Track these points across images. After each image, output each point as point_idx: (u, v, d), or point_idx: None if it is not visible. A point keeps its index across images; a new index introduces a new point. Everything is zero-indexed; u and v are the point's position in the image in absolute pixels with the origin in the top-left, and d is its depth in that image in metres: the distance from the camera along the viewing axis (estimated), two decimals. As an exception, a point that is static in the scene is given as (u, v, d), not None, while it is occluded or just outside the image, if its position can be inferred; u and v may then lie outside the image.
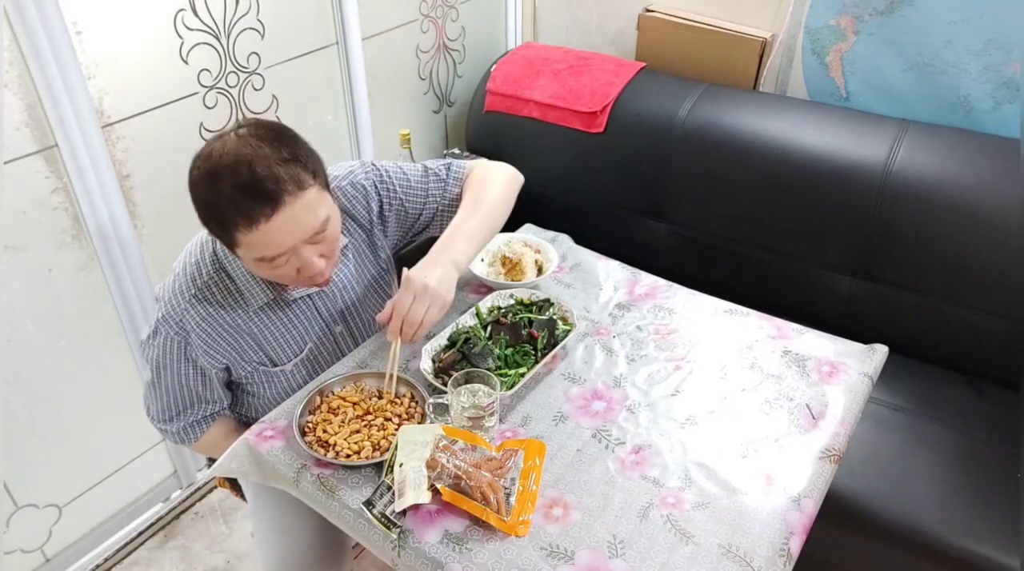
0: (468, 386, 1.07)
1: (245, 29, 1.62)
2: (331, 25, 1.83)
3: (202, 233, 1.16)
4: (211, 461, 1.43)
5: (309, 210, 1.01)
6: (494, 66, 2.16)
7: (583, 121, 1.98)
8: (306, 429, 1.08)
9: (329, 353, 1.26)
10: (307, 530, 1.22)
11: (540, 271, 1.39)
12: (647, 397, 1.14)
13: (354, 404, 1.11)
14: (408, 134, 1.98)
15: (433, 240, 1.42)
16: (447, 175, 1.30)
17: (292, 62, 1.76)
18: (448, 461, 0.96)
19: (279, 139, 1.01)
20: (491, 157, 2.23)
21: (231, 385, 1.26)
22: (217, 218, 1.00)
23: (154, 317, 1.13)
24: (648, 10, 2.11)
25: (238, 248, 1.02)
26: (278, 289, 1.15)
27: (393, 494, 0.95)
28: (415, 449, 0.99)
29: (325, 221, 1.04)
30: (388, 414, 1.10)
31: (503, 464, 0.98)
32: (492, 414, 1.05)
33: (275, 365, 1.20)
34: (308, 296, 1.19)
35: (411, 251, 1.41)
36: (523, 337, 1.19)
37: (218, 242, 1.13)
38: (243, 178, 0.96)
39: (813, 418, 1.11)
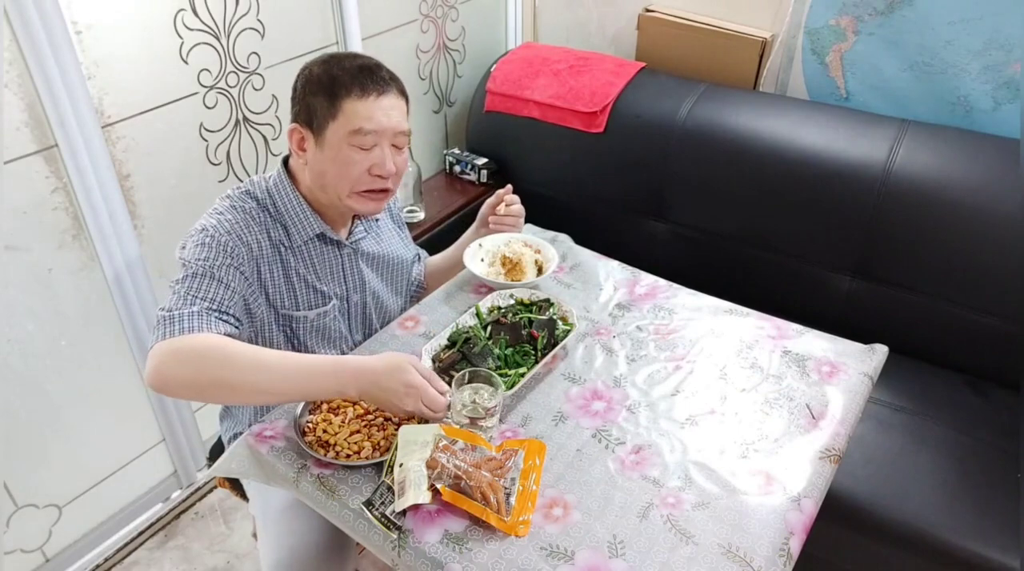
0: (471, 385, 1.07)
1: (245, 29, 1.62)
2: (331, 25, 1.83)
3: (230, 190, 1.20)
4: (211, 461, 1.43)
5: (403, 113, 1.17)
6: (494, 66, 2.16)
7: (583, 121, 1.97)
8: (306, 429, 1.08)
9: (342, 317, 1.29)
10: (310, 530, 1.22)
11: (540, 271, 1.39)
12: (647, 397, 1.14)
13: (354, 404, 1.11)
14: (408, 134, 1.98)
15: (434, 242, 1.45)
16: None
17: (292, 62, 1.76)
18: (448, 461, 0.96)
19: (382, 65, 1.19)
20: (491, 157, 2.24)
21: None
22: (330, 89, 1.11)
23: (188, 236, 1.13)
24: (648, 10, 2.11)
25: (335, 120, 1.11)
26: (324, 224, 1.21)
27: (393, 494, 0.95)
28: (415, 449, 0.99)
29: (409, 133, 1.19)
30: (388, 414, 1.10)
31: (503, 464, 0.98)
32: (493, 415, 1.05)
33: (297, 310, 1.21)
34: (341, 244, 1.25)
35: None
36: (523, 337, 1.19)
37: (264, 181, 1.19)
38: (364, 62, 1.14)
39: (813, 418, 1.11)
